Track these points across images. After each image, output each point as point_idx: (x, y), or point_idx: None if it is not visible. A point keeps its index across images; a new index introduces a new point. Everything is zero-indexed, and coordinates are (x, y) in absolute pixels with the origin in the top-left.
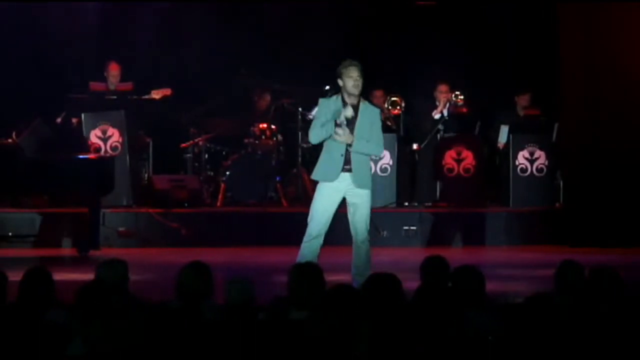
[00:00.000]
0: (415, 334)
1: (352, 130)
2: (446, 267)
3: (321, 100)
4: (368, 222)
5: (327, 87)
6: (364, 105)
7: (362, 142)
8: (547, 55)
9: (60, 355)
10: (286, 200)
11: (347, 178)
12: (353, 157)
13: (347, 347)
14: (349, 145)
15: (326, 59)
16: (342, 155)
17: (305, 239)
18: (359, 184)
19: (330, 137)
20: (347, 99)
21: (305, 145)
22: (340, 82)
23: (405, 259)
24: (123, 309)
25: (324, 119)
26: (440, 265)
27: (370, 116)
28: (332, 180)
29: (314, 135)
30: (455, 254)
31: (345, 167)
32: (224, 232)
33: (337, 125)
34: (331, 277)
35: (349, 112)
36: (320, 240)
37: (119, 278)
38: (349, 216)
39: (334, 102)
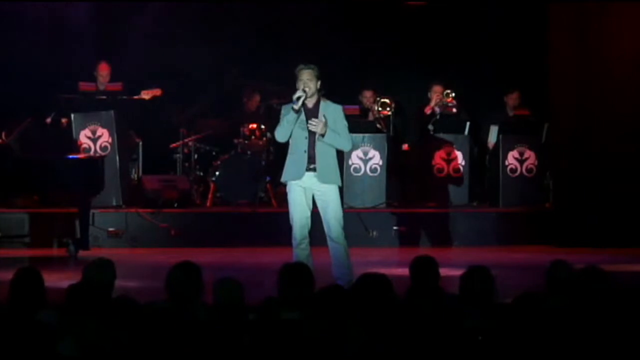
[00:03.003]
0: (406, 334)
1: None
2: (435, 266)
3: (282, 107)
4: (340, 217)
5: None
6: (324, 104)
7: (332, 133)
8: (537, 56)
9: (51, 355)
10: (276, 200)
11: (312, 177)
12: (317, 154)
13: (338, 347)
14: (322, 135)
15: (316, 59)
16: (305, 151)
17: (294, 243)
18: (323, 180)
19: (291, 135)
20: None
21: None
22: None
23: (395, 259)
24: (113, 309)
25: (283, 119)
26: (429, 264)
27: (332, 113)
28: (298, 178)
29: (277, 133)
30: (446, 254)
31: (310, 166)
32: (214, 233)
33: (295, 111)
34: (325, 278)
35: (297, 94)
36: (308, 241)
37: (107, 278)
38: (321, 214)
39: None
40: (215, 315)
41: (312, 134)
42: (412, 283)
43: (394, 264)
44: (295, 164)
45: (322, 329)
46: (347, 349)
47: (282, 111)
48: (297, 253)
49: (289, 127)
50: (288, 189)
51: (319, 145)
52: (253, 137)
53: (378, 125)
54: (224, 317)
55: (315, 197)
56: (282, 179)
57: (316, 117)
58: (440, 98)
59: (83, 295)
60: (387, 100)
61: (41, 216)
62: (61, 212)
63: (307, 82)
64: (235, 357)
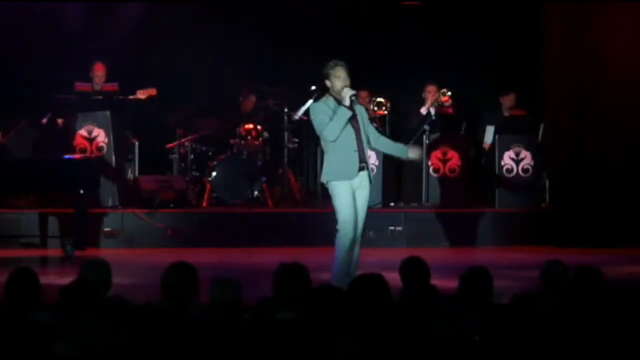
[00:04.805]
0: (402, 335)
1: (360, 129)
2: (425, 267)
3: (314, 106)
4: None
5: (313, 88)
6: (355, 105)
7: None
8: (533, 56)
9: (47, 355)
10: (272, 200)
11: (362, 175)
12: (365, 153)
13: (333, 347)
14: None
15: (311, 60)
16: (355, 151)
17: (344, 246)
18: (370, 179)
19: (343, 129)
20: (337, 99)
21: (291, 146)
22: (328, 83)
23: (391, 260)
24: (108, 309)
25: (327, 117)
26: (419, 265)
27: (365, 114)
28: (351, 178)
29: (330, 131)
30: (442, 255)
31: (361, 165)
32: (210, 233)
33: (349, 109)
34: (319, 277)
35: (350, 92)
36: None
37: (102, 278)
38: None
39: (326, 103)
40: (212, 315)
41: (358, 132)
42: (403, 284)
43: (390, 265)
44: (347, 164)
45: (317, 329)
46: (343, 349)
47: (315, 110)
48: (343, 257)
49: (341, 125)
50: (335, 189)
51: (365, 145)
52: (249, 137)
53: (374, 124)
54: (221, 317)
55: (357, 196)
56: (328, 178)
57: (354, 115)
58: (435, 98)
59: (77, 295)
60: (382, 100)
61: (38, 216)
62: (58, 213)
63: (347, 79)
64: (231, 357)
